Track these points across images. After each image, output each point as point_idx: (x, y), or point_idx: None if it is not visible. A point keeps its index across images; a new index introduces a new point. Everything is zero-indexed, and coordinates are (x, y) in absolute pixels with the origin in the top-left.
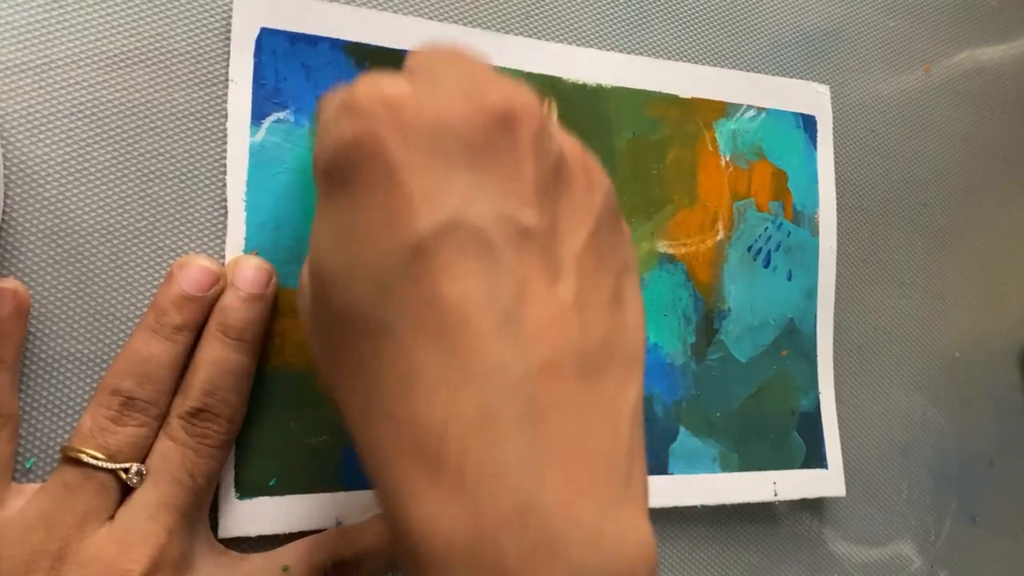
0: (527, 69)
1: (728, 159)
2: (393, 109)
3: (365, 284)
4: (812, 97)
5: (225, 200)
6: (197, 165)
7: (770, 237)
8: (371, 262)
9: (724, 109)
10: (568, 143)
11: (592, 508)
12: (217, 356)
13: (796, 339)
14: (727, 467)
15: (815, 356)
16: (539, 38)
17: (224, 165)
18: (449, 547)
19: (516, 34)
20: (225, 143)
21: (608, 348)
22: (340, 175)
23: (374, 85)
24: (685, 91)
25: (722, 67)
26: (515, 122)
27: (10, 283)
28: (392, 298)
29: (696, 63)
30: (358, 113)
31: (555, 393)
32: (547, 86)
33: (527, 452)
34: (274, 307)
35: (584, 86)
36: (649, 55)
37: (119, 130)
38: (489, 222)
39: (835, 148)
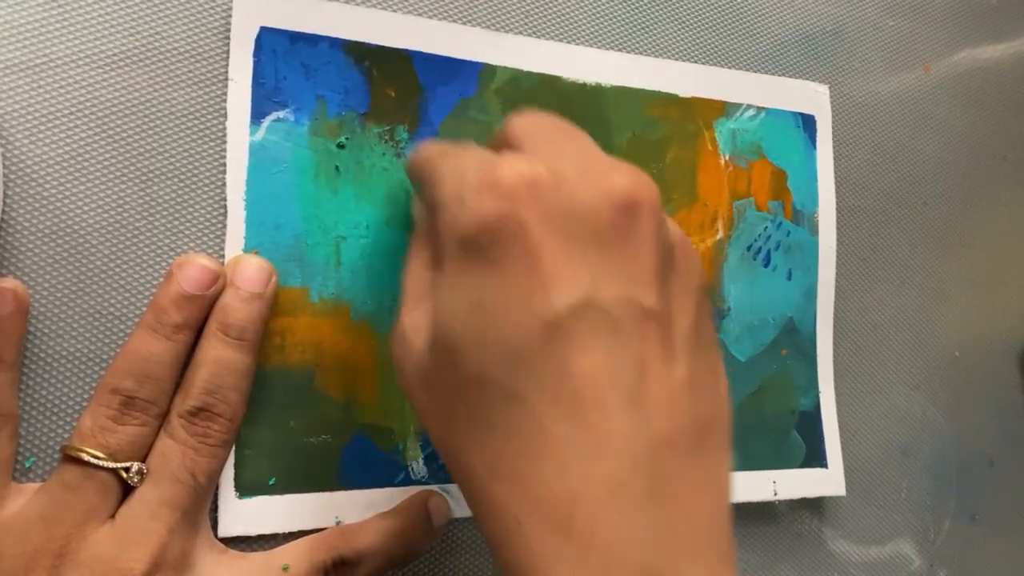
0: (526, 68)
1: (728, 158)
2: (535, 192)
3: (501, 354)
4: (811, 96)
5: (225, 199)
6: (197, 164)
7: (770, 236)
8: (508, 334)
9: (723, 109)
10: (673, 226)
11: (703, 573)
12: (218, 355)
13: (796, 338)
14: None
15: (815, 355)
16: (538, 37)
17: (224, 164)
18: None
19: (515, 33)
20: (225, 142)
21: (711, 423)
22: (480, 249)
23: (517, 166)
24: (684, 91)
25: (721, 67)
26: (639, 209)
27: (10, 282)
28: (528, 370)
29: (695, 63)
30: (503, 193)
31: (672, 466)
32: (546, 85)
33: (650, 522)
34: (274, 306)
35: (584, 85)
36: (649, 55)
37: (119, 129)
38: (616, 303)
39: (835, 147)
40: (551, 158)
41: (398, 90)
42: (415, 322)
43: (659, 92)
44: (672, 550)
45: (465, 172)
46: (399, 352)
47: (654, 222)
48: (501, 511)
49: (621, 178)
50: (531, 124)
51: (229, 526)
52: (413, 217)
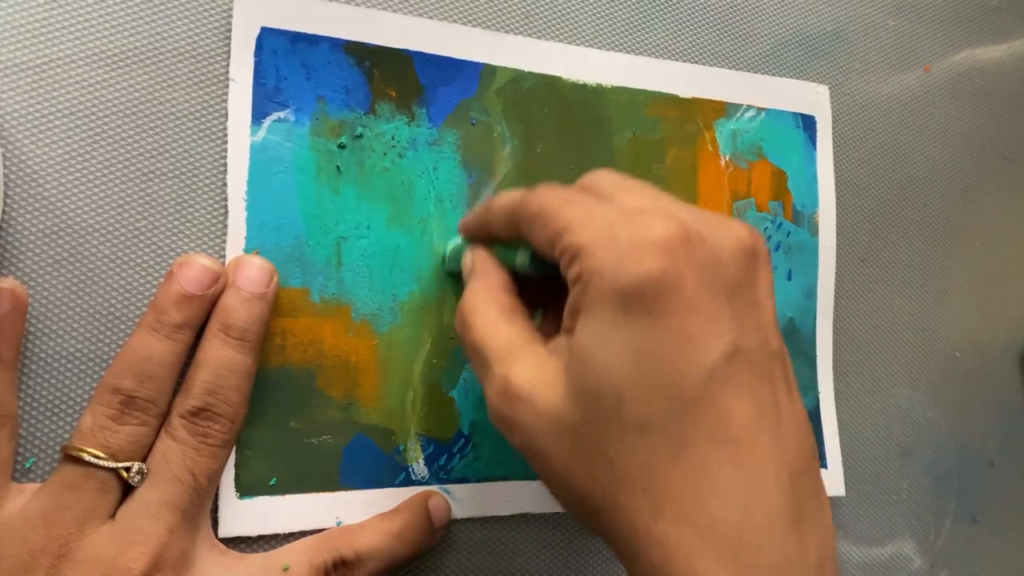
0: (527, 68)
1: (728, 159)
2: (688, 248)
3: (667, 402)
4: (811, 97)
5: (225, 199)
6: (197, 164)
7: (770, 237)
8: (673, 382)
9: (724, 109)
10: None
11: None
12: (219, 355)
13: (796, 339)
14: None
15: (815, 356)
16: (539, 37)
17: (224, 164)
18: None
19: (516, 33)
20: (225, 142)
21: (815, 447)
22: (641, 301)
23: (669, 223)
24: (685, 91)
25: (721, 67)
26: (760, 258)
27: (8, 282)
28: (692, 416)
29: (695, 63)
30: (663, 249)
31: (806, 492)
32: (547, 86)
33: (798, 543)
34: (275, 306)
35: (584, 86)
36: (649, 55)
37: (119, 130)
38: (756, 348)
39: (835, 148)
40: (684, 215)
41: (399, 90)
42: (531, 376)
43: (659, 92)
44: (810, 568)
45: (611, 223)
46: (514, 409)
47: (770, 271)
48: (668, 548)
49: (743, 229)
50: (631, 189)
51: (229, 526)
52: (464, 270)
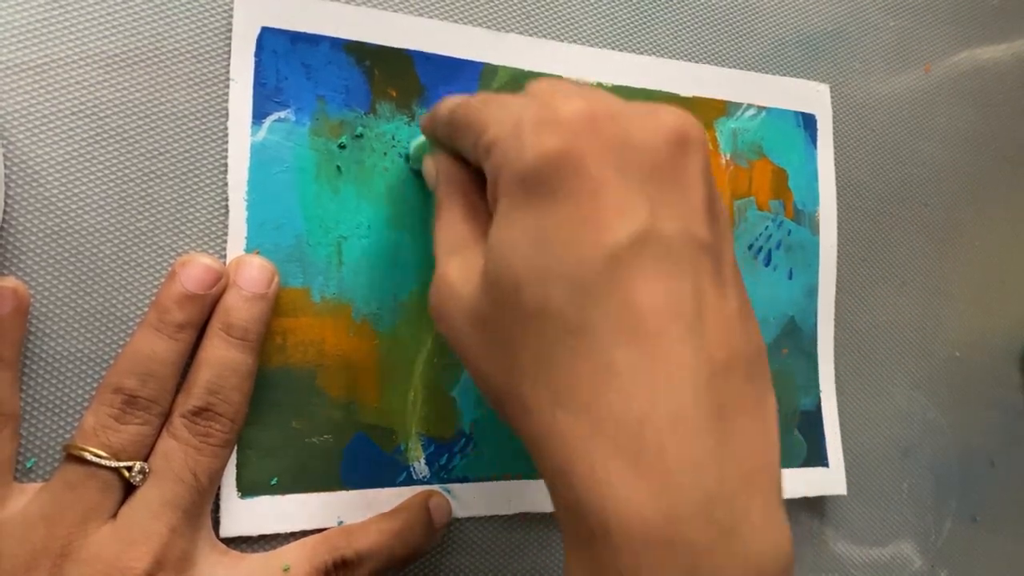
0: (527, 68)
1: (729, 158)
2: (594, 126)
3: (564, 286)
4: (812, 96)
5: (226, 199)
6: (198, 164)
7: (771, 236)
8: (571, 266)
9: (724, 108)
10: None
11: (759, 501)
12: (220, 355)
13: (797, 337)
14: None
15: (816, 355)
16: (539, 37)
17: (225, 164)
18: (646, 530)
19: (516, 32)
20: (226, 142)
21: (758, 352)
22: (540, 183)
23: (575, 103)
24: (685, 90)
25: (722, 66)
26: (691, 144)
27: (10, 282)
28: (592, 300)
29: (696, 62)
30: (563, 128)
31: (731, 393)
32: None
33: (712, 449)
34: (276, 306)
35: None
36: (649, 54)
37: (119, 130)
38: (674, 235)
39: (836, 147)
40: (600, 98)
41: (399, 90)
42: (460, 270)
43: (660, 91)
44: (731, 477)
45: (519, 112)
46: (442, 300)
47: (704, 158)
48: (565, 439)
49: (672, 114)
50: (553, 81)
51: (231, 526)
52: (427, 177)
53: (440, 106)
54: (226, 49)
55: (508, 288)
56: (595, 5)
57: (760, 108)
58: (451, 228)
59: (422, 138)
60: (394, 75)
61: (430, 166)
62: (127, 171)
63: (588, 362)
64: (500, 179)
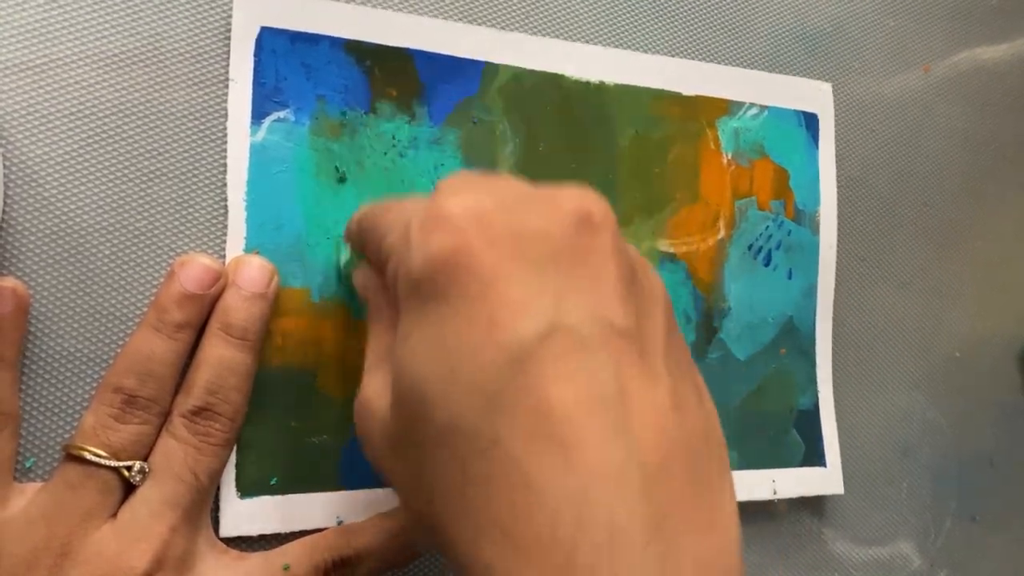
0: (529, 67)
1: (730, 157)
2: (482, 219)
3: (470, 396)
4: (814, 95)
5: (225, 200)
6: (197, 165)
7: (771, 236)
8: (475, 373)
9: (726, 107)
10: (629, 244)
11: None
12: (219, 355)
13: (795, 337)
14: None
15: (814, 354)
16: (541, 35)
17: (224, 165)
18: None
19: (517, 31)
20: (225, 143)
21: (705, 446)
22: (432, 287)
23: (459, 198)
24: (687, 89)
25: (724, 65)
26: (593, 224)
27: (9, 281)
28: (500, 410)
29: (698, 61)
30: (449, 225)
31: (671, 497)
32: (549, 84)
33: (653, 562)
34: (275, 306)
35: (586, 84)
36: (652, 52)
37: (119, 130)
38: (585, 324)
39: (836, 147)
40: (492, 190)
41: (399, 89)
42: (375, 386)
43: (662, 90)
44: None
45: (410, 215)
46: (360, 420)
47: (611, 236)
48: (492, 567)
49: (569, 195)
50: (459, 175)
51: (230, 526)
52: (358, 291)
53: (353, 215)
54: (225, 49)
55: (415, 405)
56: (597, 3)
57: (762, 107)
58: (377, 341)
59: (349, 251)
60: (394, 74)
61: (358, 279)
62: (126, 171)
63: (504, 481)
64: (398, 288)
